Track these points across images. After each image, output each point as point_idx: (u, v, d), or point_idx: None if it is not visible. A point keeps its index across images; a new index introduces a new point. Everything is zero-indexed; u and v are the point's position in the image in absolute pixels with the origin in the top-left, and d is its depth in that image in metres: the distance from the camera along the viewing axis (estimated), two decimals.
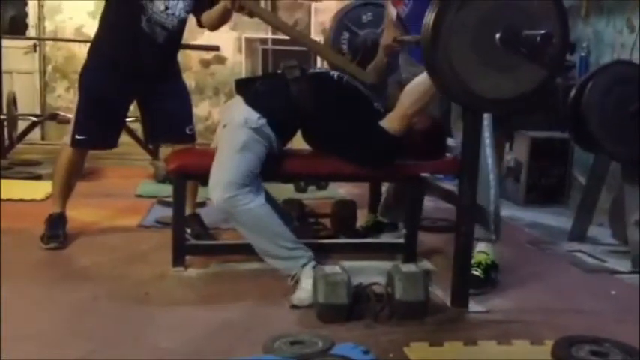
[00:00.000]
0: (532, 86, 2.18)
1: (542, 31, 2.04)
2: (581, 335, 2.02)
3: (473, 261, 2.59)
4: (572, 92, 3.00)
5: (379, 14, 3.14)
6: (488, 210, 2.61)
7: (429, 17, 2.08)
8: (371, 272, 2.52)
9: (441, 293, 2.47)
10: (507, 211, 4.01)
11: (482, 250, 2.64)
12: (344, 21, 3.34)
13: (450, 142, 2.77)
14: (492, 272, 2.63)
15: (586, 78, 3.04)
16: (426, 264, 2.85)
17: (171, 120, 3.09)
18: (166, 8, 2.90)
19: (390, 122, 2.45)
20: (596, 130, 2.93)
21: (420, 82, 2.37)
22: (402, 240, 2.86)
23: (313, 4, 7.11)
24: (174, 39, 3.01)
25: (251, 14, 2.79)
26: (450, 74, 2.10)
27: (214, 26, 3.02)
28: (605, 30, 4.15)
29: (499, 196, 2.69)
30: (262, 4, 6.90)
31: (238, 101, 2.54)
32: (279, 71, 2.63)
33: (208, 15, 2.96)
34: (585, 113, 2.93)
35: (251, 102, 2.49)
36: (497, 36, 2.08)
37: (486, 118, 2.57)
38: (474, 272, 2.56)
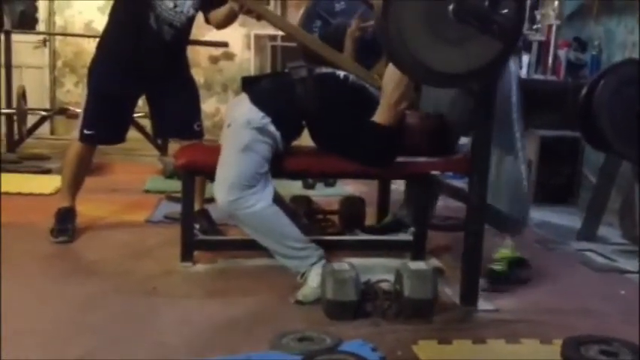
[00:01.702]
0: (486, 60, 2.08)
1: None
2: (590, 335, 2.00)
3: (497, 256, 2.63)
4: (584, 91, 2.98)
5: (352, 4, 3.14)
6: (520, 205, 2.61)
7: None
8: (379, 270, 2.52)
9: (449, 291, 2.46)
10: None
11: (507, 246, 2.66)
12: (316, 9, 3.31)
13: (466, 140, 2.75)
14: (517, 268, 2.64)
15: (597, 77, 3.02)
16: (435, 262, 2.84)
17: (179, 116, 3.10)
18: (175, 6, 2.91)
19: (380, 116, 2.43)
20: (607, 129, 2.90)
21: (393, 69, 2.32)
22: (410, 238, 2.85)
23: None
24: (181, 37, 3.02)
25: (259, 17, 2.78)
26: (403, 48, 2.01)
27: (221, 26, 3.03)
28: (617, 29, 4.12)
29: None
30: (272, 2, 6.90)
31: (243, 99, 2.53)
32: (285, 71, 2.63)
33: (215, 14, 2.98)
34: (596, 112, 2.91)
35: (256, 101, 2.48)
36: (451, 7, 1.98)
37: (515, 112, 2.57)
38: (498, 268, 2.59)
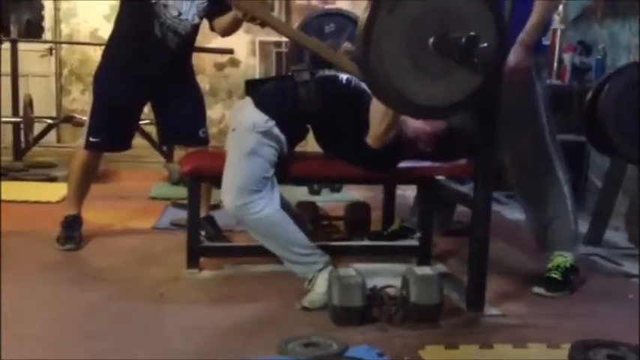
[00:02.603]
0: (468, 92, 2.07)
1: (469, 33, 1.92)
2: (597, 339, 2.00)
3: (551, 265, 2.66)
4: (589, 95, 2.98)
5: (341, 25, 3.14)
6: (567, 221, 2.68)
7: (362, 19, 1.96)
8: (385, 275, 2.52)
9: (456, 296, 2.45)
10: (522, 215, 3.98)
11: (560, 254, 2.67)
12: (307, 31, 3.32)
13: None
14: (571, 275, 2.66)
15: (602, 81, 3.02)
16: (441, 267, 2.84)
17: (184, 122, 3.11)
18: (179, 14, 2.91)
19: (370, 141, 2.42)
20: (612, 133, 2.90)
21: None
22: (416, 243, 2.85)
23: (326, 7, 7.11)
24: (186, 44, 3.03)
25: (262, 24, 2.79)
26: (383, 79, 1.97)
27: (226, 33, 3.04)
28: (621, 32, 4.12)
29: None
30: (276, 5, 6.91)
31: (247, 103, 2.53)
32: (289, 74, 2.63)
33: (220, 21, 2.99)
34: (601, 116, 2.90)
35: (259, 104, 2.48)
36: (431, 41, 1.96)
37: (547, 133, 2.64)
38: (553, 275, 2.62)
